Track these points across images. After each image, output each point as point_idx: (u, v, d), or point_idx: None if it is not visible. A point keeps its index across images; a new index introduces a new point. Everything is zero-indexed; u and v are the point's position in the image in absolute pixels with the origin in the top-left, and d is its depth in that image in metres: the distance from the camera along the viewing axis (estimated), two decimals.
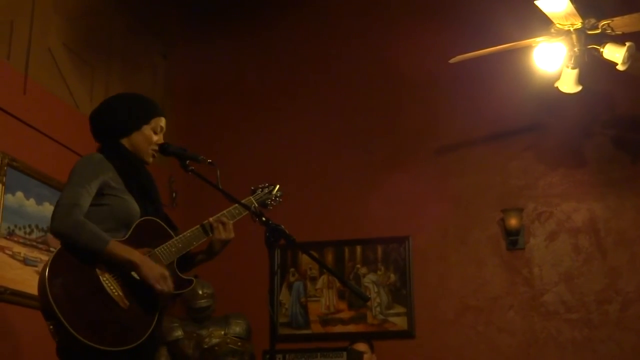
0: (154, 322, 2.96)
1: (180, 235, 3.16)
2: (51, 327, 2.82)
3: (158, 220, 3.14)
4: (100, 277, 2.87)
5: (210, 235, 3.24)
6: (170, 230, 3.17)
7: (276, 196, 3.59)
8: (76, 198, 2.94)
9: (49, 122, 4.89)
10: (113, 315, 2.85)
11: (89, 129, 3.29)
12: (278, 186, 3.62)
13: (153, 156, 3.26)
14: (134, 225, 3.04)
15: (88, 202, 2.98)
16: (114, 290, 2.88)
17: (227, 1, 6.88)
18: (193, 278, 3.17)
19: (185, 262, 3.25)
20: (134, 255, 2.94)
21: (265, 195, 3.55)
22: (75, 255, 2.87)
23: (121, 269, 2.93)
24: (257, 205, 3.46)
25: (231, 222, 3.27)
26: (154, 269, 2.95)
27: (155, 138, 3.24)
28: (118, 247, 2.92)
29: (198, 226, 3.22)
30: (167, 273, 3.00)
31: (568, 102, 5.64)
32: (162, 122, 3.29)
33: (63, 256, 2.87)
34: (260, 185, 3.59)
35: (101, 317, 2.83)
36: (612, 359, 5.50)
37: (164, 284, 2.96)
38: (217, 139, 6.52)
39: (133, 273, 2.93)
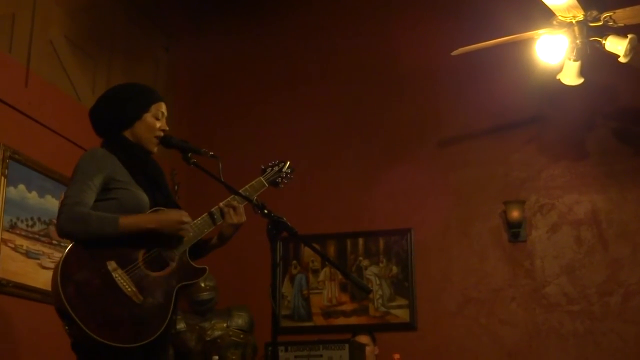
0: (169, 314, 2.95)
1: (191, 224, 3.13)
2: (66, 327, 2.82)
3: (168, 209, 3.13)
4: (112, 273, 2.87)
5: (221, 221, 3.20)
6: None
7: (287, 173, 3.49)
8: (78, 196, 2.93)
9: (50, 114, 4.89)
10: (127, 311, 2.85)
11: (91, 125, 3.27)
12: (288, 163, 3.51)
13: (158, 144, 3.22)
14: None
15: (92, 197, 2.97)
16: (126, 286, 2.87)
17: None
18: (206, 267, 3.16)
19: (198, 249, 3.24)
20: (147, 221, 2.97)
21: (275, 174, 3.46)
22: (85, 253, 2.87)
23: (142, 243, 2.95)
24: (267, 185, 3.41)
25: (242, 205, 3.23)
26: (170, 222, 3.01)
27: (158, 124, 3.20)
28: (129, 221, 2.93)
29: (206, 214, 3.20)
30: (181, 216, 3.04)
31: (570, 95, 5.63)
32: (163, 107, 3.25)
33: (74, 255, 2.87)
34: (270, 164, 3.49)
35: (115, 314, 2.83)
36: (613, 351, 5.51)
37: (185, 225, 3.04)
38: (219, 132, 6.53)
39: (142, 267, 2.93)
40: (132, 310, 2.86)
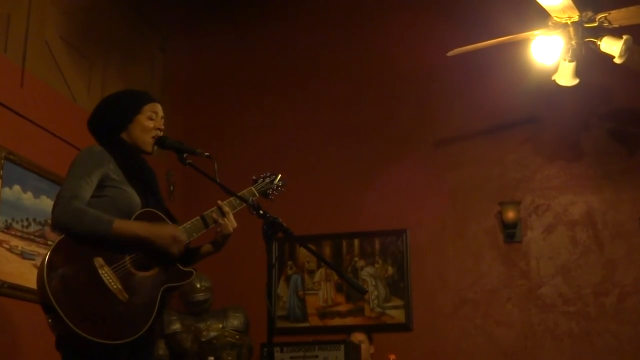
0: (153, 315, 2.95)
1: (180, 227, 3.13)
2: (50, 320, 2.82)
3: (158, 212, 3.13)
4: (98, 270, 2.87)
5: (213, 225, 3.22)
6: (170, 223, 3.15)
7: (278, 185, 3.56)
8: (75, 189, 2.95)
9: (46, 115, 4.89)
10: (112, 308, 2.85)
11: (90, 133, 3.29)
12: (279, 175, 3.58)
13: (154, 145, 3.24)
14: (134, 217, 3.03)
15: (89, 193, 2.99)
16: (112, 284, 2.88)
17: None
18: (193, 270, 3.16)
19: (188, 256, 3.24)
20: (141, 229, 2.97)
21: (266, 185, 3.52)
22: (72, 248, 2.87)
23: (126, 246, 2.94)
24: (258, 195, 3.44)
25: (232, 212, 3.25)
26: (164, 236, 3.00)
27: (152, 124, 3.23)
28: (123, 225, 2.93)
29: (198, 217, 3.20)
30: (176, 232, 3.04)
31: (565, 95, 5.65)
32: (157, 108, 3.28)
33: (61, 250, 2.87)
34: (261, 175, 3.55)
35: (100, 310, 2.83)
36: (608, 351, 5.51)
37: (177, 245, 3.02)
38: (215, 132, 6.52)
39: (129, 265, 2.93)
40: (116, 308, 2.86)
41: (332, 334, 5.66)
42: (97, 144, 3.22)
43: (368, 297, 5.99)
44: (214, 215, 3.22)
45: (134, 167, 3.15)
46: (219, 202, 3.25)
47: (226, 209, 3.23)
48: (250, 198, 3.28)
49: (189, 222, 3.17)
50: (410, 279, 5.97)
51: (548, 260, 5.80)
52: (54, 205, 2.93)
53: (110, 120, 3.23)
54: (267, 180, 3.54)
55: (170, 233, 3.03)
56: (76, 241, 2.88)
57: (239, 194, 3.29)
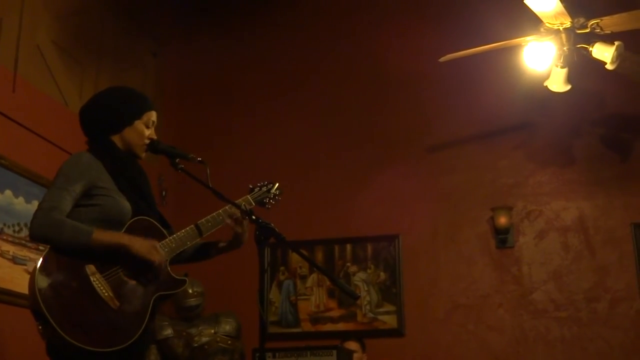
0: (145, 322, 2.93)
1: (174, 235, 3.12)
2: (40, 327, 2.80)
3: (151, 219, 3.11)
4: (90, 277, 2.85)
5: (208, 233, 3.21)
6: (163, 230, 3.13)
7: (275, 194, 3.51)
8: (55, 201, 2.91)
9: (38, 120, 4.87)
10: (103, 316, 2.83)
11: (79, 123, 3.23)
12: (277, 184, 3.53)
13: (145, 150, 3.22)
14: (126, 225, 3.00)
15: (69, 204, 2.94)
16: (104, 291, 2.85)
17: (217, 0, 6.87)
18: (185, 278, 3.14)
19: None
20: (121, 237, 2.93)
21: (263, 194, 3.48)
22: (64, 255, 2.84)
23: (111, 256, 2.90)
24: (254, 204, 3.41)
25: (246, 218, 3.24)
26: (143, 244, 2.94)
27: (147, 132, 3.20)
28: (102, 235, 2.89)
29: (192, 226, 3.18)
30: (156, 243, 2.99)
31: (557, 101, 5.66)
32: (154, 116, 3.25)
33: (53, 257, 2.84)
34: (258, 184, 3.51)
35: (91, 318, 2.81)
36: (600, 357, 5.52)
37: (157, 254, 2.96)
38: (207, 138, 6.52)
39: (121, 273, 2.92)
40: (107, 315, 2.83)
41: (324, 339, 5.65)
42: (85, 142, 3.19)
43: (360, 302, 5.98)
44: (228, 221, 3.21)
45: (124, 173, 3.11)
46: (227, 208, 3.23)
47: (238, 214, 3.22)
48: (243, 204, 3.28)
49: (182, 231, 3.16)
50: (402, 284, 5.97)
51: (540, 265, 5.81)
52: (33, 218, 2.89)
53: (107, 119, 3.17)
54: (264, 189, 3.50)
55: (149, 242, 2.97)
56: (59, 253, 2.85)
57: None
